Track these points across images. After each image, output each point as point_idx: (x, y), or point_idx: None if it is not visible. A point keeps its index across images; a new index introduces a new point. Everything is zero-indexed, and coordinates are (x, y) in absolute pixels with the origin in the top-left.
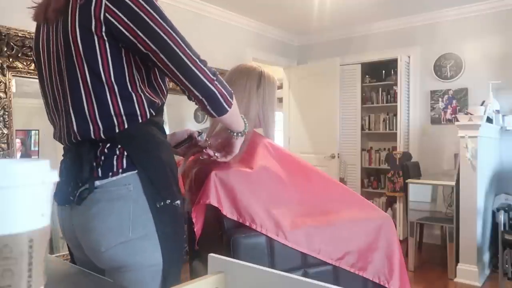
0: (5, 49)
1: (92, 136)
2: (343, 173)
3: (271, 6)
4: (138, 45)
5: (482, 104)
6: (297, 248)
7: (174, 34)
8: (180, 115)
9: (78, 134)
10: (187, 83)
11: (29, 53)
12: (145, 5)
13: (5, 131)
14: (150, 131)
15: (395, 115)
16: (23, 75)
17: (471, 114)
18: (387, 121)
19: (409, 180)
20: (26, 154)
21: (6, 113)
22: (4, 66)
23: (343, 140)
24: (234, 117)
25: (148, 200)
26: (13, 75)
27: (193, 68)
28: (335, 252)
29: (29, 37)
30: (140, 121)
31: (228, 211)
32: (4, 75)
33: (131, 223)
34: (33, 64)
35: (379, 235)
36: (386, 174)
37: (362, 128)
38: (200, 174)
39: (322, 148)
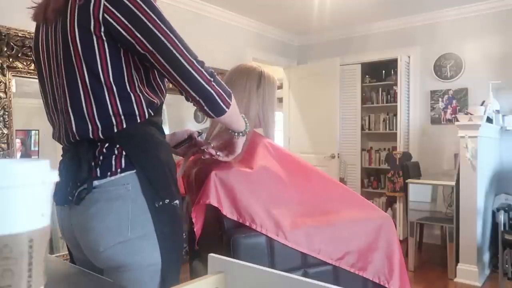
0: (5, 49)
1: (91, 136)
2: (343, 173)
3: (271, 6)
4: (136, 46)
5: (482, 104)
6: (297, 248)
7: (171, 35)
8: (180, 115)
9: (76, 134)
10: (184, 84)
11: (29, 53)
12: (143, 6)
13: (5, 131)
14: (149, 131)
15: (395, 115)
16: (23, 75)
17: (471, 114)
18: (387, 121)
19: (409, 180)
20: (26, 154)
21: (6, 113)
22: (4, 66)
23: (343, 140)
24: (234, 117)
25: (146, 199)
26: (13, 75)
27: (190, 69)
28: (335, 252)
29: (29, 37)
30: (139, 121)
31: (228, 211)
32: (4, 75)
33: (130, 222)
34: (33, 64)
35: (379, 235)
36: (386, 174)
37: (362, 128)
38: (200, 174)
39: (322, 148)
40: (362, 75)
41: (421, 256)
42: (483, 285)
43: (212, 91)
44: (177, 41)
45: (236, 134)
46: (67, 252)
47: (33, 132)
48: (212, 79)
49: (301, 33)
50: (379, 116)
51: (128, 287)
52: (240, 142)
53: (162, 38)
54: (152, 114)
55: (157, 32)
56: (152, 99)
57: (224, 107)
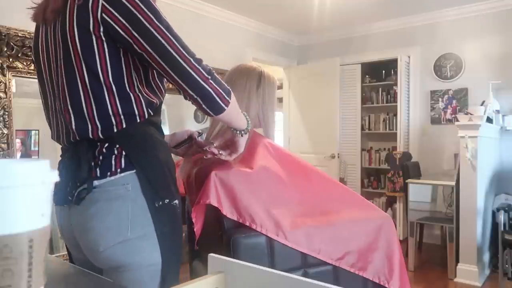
0: (5, 49)
1: (90, 136)
2: (343, 173)
3: (271, 6)
4: (133, 45)
5: (482, 104)
6: (297, 248)
7: (168, 34)
8: (180, 115)
9: (76, 134)
10: (181, 82)
11: (29, 53)
12: (141, 5)
13: (5, 131)
14: (148, 131)
15: (395, 115)
16: (23, 75)
17: (471, 114)
18: (387, 121)
19: (409, 180)
20: (26, 154)
21: (6, 113)
22: (4, 66)
23: (343, 140)
24: (234, 115)
25: (146, 199)
26: (13, 75)
27: (187, 67)
28: (335, 252)
29: (29, 37)
30: (138, 121)
31: (228, 211)
32: (4, 75)
33: (130, 222)
34: (33, 64)
35: (379, 235)
36: (386, 174)
37: (362, 128)
38: (200, 174)
39: (322, 148)
40: (362, 75)
41: (421, 256)
42: (483, 285)
43: (210, 89)
44: (174, 40)
45: (238, 132)
46: (67, 252)
47: (33, 132)
48: (210, 77)
49: (301, 33)
50: (379, 116)
51: (128, 287)
52: (243, 140)
53: (159, 37)
54: (152, 114)
55: (153, 31)
56: (151, 99)
57: (223, 105)
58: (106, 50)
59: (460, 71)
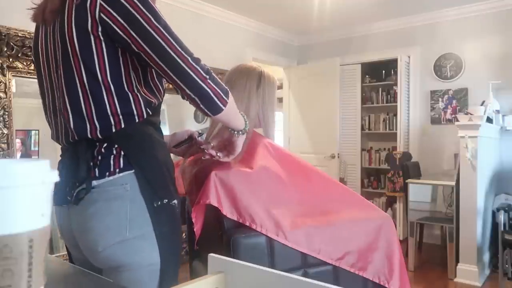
0: (5, 49)
1: (89, 136)
2: (343, 173)
3: (271, 6)
4: (131, 44)
5: (482, 104)
6: (297, 248)
7: (166, 34)
8: (180, 115)
9: (75, 134)
10: (179, 82)
11: (29, 53)
12: (139, 4)
13: (5, 131)
14: (147, 131)
15: (395, 115)
16: (23, 75)
17: (471, 114)
18: (387, 121)
19: (409, 180)
20: (26, 154)
21: (6, 113)
22: (4, 66)
23: (343, 140)
24: (232, 115)
25: (145, 199)
26: (13, 75)
27: (185, 66)
28: (335, 252)
29: (29, 37)
30: (137, 120)
31: (228, 211)
32: (4, 75)
33: (128, 222)
34: (33, 64)
35: (379, 235)
36: (386, 174)
37: (362, 128)
38: (200, 174)
39: (322, 148)
40: (362, 75)
41: (421, 256)
42: (483, 285)
43: (207, 89)
44: (172, 40)
45: (235, 132)
46: (67, 252)
47: (33, 132)
48: (207, 77)
49: (301, 33)
50: (379, 116)
51: (127, 287)
52: (240, 141)
53: (157, 37)
54: (150, 114)
55: (151, 31)
56: (150, 99)
57: (221, 105)
58: (105, 50)
59: (460, 71)
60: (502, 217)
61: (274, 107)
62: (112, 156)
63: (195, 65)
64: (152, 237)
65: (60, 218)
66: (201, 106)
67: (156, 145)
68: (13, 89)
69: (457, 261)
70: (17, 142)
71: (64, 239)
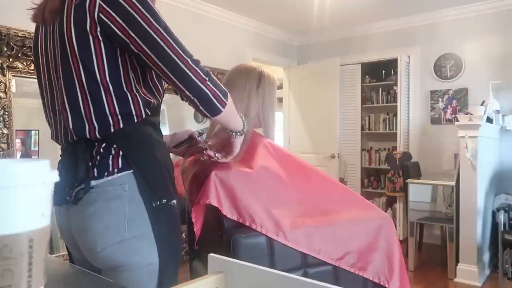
0: (5, 49)
1: (88, 136)
2: (343, 173)
3: (271, 6)
4: (130, 45)
5: (482, 104)
6: (297, 248)
7: (165, 34)
8: (180, 115)
9: (74, 134)
10: (178, 83)
11: (29, 53)
12: (138, 5)
13: (5, 131)
14: (146, 131)
15: (395, 115)
16: (23, 75)
17: (471, 114)
18: (387, 121)
19: (409, 180)
20: (26, 154)
21: (6, 113)
22: (4, 66)
23: (343, 140)
24: (230, 117)
25: (144, 199)
26: (13, 75)
27: (184, 68)
28: (335, 252)
29: (29, 37)
30: (136, 120)
31: (228, 211)
32: (4, 75)
33: (127, 222)
34: (33, 64)
35: (379, 235)
36: (386, 174)
37: (362, 128)
38: (200, 174)
39: (322, 148)
40: (362, 75)
41: (421, 256)
42: (483, 285)
43: (207, 91)
44: (171, 40)
45: (233, 133)
46: (67, 252)
47: (33, 132)
48: (207, 79)
49: (301, 33)
50: (379, 116)
51: (127, 287)
52: (238, 141)
53: (156, 37)
54: (149, 114)
55: (151, 31)
56: (149, 99)
57: (220, 106)
58: (103, 50)
59: (460, 71)
60: (502, 217)
61: (274, 107)
62: (111, 156)
63: (194, 67)
64: (151, 237)
65: (60, 218)
66: (200, 107)
67: (155, 145)
68: (13, 89)
69: (457, 261)
70: (17, 142)
71: (64, 239)
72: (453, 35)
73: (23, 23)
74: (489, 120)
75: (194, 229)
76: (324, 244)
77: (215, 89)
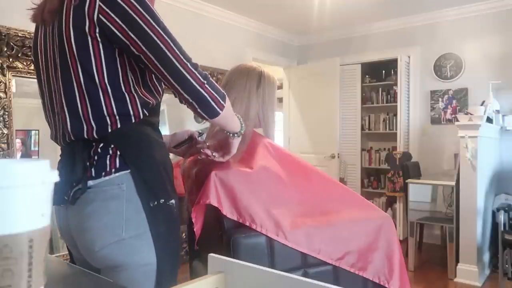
0: (5, 49)
1: (86, 136)
2: (343, 173)
3: (271, 6)
4: (130, 47)
5: (482, 104)
6: (297, 248)
7: (165, 37)
8: (180, 116)
9: (72, 134)
10: (177, 86)
11: (29, 53)
12: (138, 7)
13: (5, 131)
14: (144, 131)
15: (395, 115)
16: (23, 75)
17: (471, 114)
18: (387, 121)
19: (409, 180)
20: (26, 154)
21: (6, 113)
22: (4, 66)
23: (343, 140)
24: (229, 118)
25: (141, 199)
26: (13, 75)
27: (183, 71)
28: (335, 252)
29: (29, 37)
30: (133, 121)
31: (228, 211)
32: (4, 75)
33: (125, 222)
34: (33, 64)
35: (379, 235)
36: (386, 174)
37: (362, 128)
38: (200, 174)
39: (322, 148)
40: (362, 75)
41: (421, 256)
42: (483, 285)
43: (205, 94)
44: (171, 43)
45: (231, 135)
46: (67, 252)
47: (33, 132)
48: (205, 82)
49: (301, 33)
50: (379, 116)
51: (126, 286)
52: (236, 142)
53: (156, 40)
54: (147, 114)
55: (151, 34)
56: (147, 99)
57: (218, 109)
58: (102, 51)
59: (460, 71)
60: (502, 217)
61: (274, 107)
62: (108, 156)
63: (193, 70)
64: (149, 237)
65: (59, 218)
66: (199, 110)
67: (153, 145)
68: (13, 89)
69: (457, 261)
70: (17, 142)
71: (63, 239)
72: (453, 35)
73: (23, 23)
74: (489, 120)
75: (194, 229)
76: (324, 244)
77: (213, 92)
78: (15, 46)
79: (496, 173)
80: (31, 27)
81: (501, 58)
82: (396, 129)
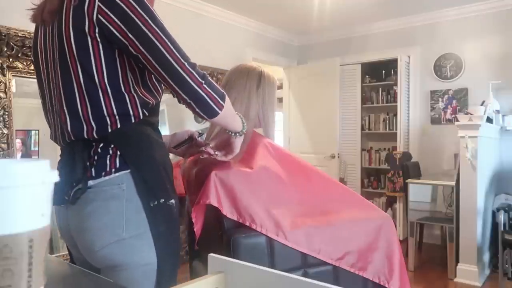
0: (5, 49)
1: (85, 136)
2: (343, 173)
3: (271, 6)
4: (129, 47)
5: (482, 104)
6: (297, 248)
7: (163, 37)
8: (180, 116)
9: (71, 134)
10: (175, 86)
11: (29, 53)
12: (136, 7)
13: (5, 131)
14: (144, 131)
15: (395, 115)
16: (23, 75)
17: (471, 114)
18: (387, 121)
19: (409, 180)
20: (26, 154)
21: (6, 113)
22: (4, 66)
23: (343, 140)
24: (229, 118)
25: (141, 199)
26: (13, 75)
27: (181, 71)
28: (335, 252)
29: (29, 37)
30: (133, 121)
31: (228, 211)
32: (4, 75)
33: (125, 222)
34: (33, 65)
35: (379, 235)
36: (386, 174)
37: (362, 128)
38: (200, 174)
39: (322, 148)
40: (362, 75)
41: (421, 256)
42: (483, 285)
43: (203, 93)
44: (169, 43)
45: (233, 134)
46: (67, 252)
47: (33, 132)
48: (203, 82)
49: (301, 33)
50: (379, 116)
51: (125, 286)
52: (238, 142)
53: (154, 40)
54: (147, 114)
55: (149, 34)
56: (147, 99)
57: (217, 109)
58: (102, 51)
59: (460, 71)
60: (502, 217)
61: (274, 107)
62: (108, 156)
63: (191, 70)
64: (149, 236)
65: (59, 218)
66: (197, 110)
67: (153, 145)
68: (13, 89)
69: (457, 261)
70: (17, 142)
71: (64, 239)
72: (453, 35)
73: (23, 23)
74: (489, 120)
75: (194, 229)
76: (324, 244)
77: (211, 92)
78: (15, 46)
79: (496, 173)
80: (31, 27)
81: (501, 58)
82: (396, 129)
